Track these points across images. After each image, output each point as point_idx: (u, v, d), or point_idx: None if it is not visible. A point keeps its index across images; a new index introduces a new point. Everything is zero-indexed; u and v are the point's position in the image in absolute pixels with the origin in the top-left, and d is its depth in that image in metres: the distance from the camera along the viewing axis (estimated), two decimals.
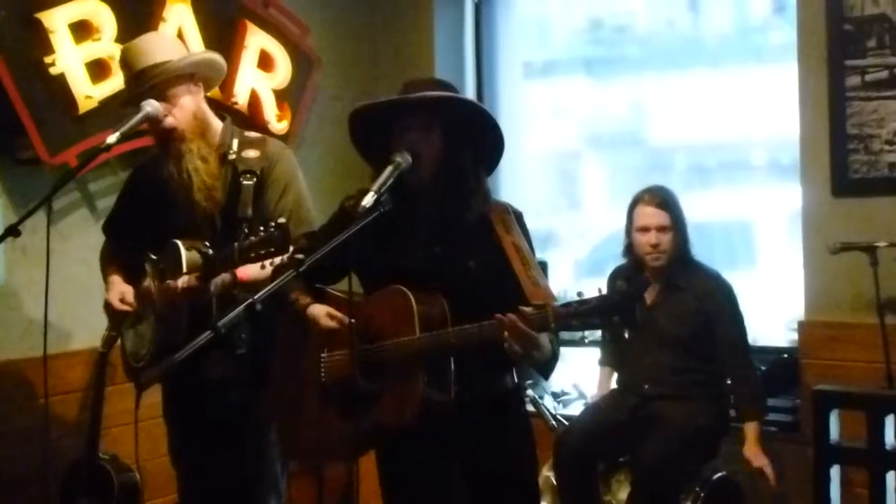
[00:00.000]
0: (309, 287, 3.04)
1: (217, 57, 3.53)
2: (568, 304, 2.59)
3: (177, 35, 4.31)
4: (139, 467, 3.60)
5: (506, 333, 2.64)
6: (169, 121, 3.32)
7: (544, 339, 2.71)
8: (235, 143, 3.43)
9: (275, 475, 3.48)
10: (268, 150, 3.45)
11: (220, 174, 3.38)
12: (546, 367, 2.92)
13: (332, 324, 2.91)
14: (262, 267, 2.94)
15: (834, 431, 1.98)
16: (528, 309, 2.63)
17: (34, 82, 4.02)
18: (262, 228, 2.86)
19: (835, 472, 1.99)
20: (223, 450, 3.42)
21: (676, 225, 4.25)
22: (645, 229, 4.25)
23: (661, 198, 4.28)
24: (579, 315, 2.56)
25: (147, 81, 3.31)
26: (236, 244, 2.93)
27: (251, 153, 3.41)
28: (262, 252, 2.87)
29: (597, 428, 4.24)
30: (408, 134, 2.88)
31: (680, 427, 4.12)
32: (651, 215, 4.25)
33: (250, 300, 2.51)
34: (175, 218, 3.36)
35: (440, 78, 3.39)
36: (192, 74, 3.41)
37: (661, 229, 4.23)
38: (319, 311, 2.95)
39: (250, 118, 4.80)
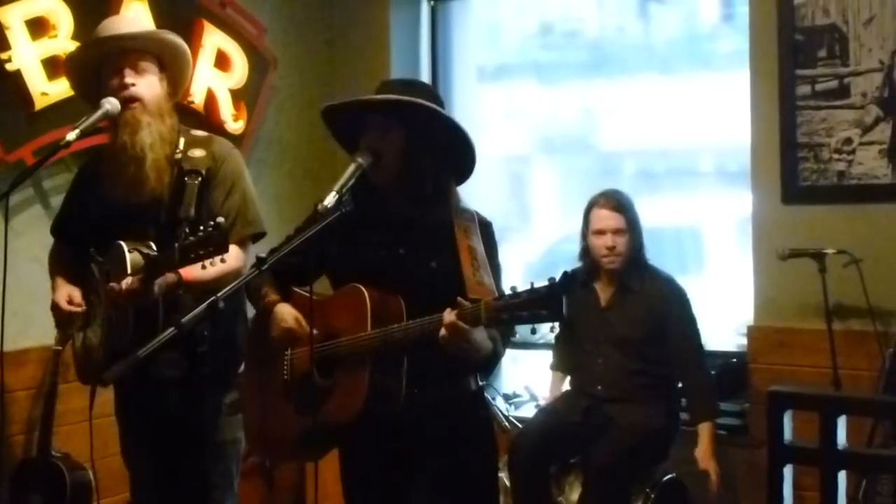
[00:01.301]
0: (278, 288, 3.05)
1: (187, 50, 3.48)
2: (499, 298, 2.63)
3: None
4: (92, 466, 3.58)
5: (442, 330, 2.66)
6: (133, 90, 3.26)
7: (481, 335, 2.75)
8: (182, 141, 3.38)
9: (230, 474, 3.48)
10: (214, 149, 3.41)
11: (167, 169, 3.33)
12: (486, 365, 2.97)
13: (293, 325, 2.93)
14: (203, 267, 2.94)
15: (786, 432, 2.04)
16: (463, 302, 2.67)
17: None
18: (200, 228, 2.86)
19: (787, 471, 2.05)
20: (176, 448, 3.41)
21: (632, 228, 4.30)
22: (601, 232, 4.30)
23: (617, 201, 4.32)
24: (509, 308, 2.58)
25: (123, 42, 3.28)
26: (177, 245, 2.91)
27: (197, 152, 3.36)
28: (202, 252, 2.86)
29: (550, 430, 4.27)
30: (370, 134, 2.91)
31: (631, 429, 4.17)
32: (607, 218, 4.30)
33: (213, 298, 2.52)
34: (121, 198, 3.28)
35: (419, 79, 3.39)
36: (162, 65, 3.38)
37: (616, 232, 4.28)
38: (286, 312, 2.98)
39: (206, 117, 4.79)
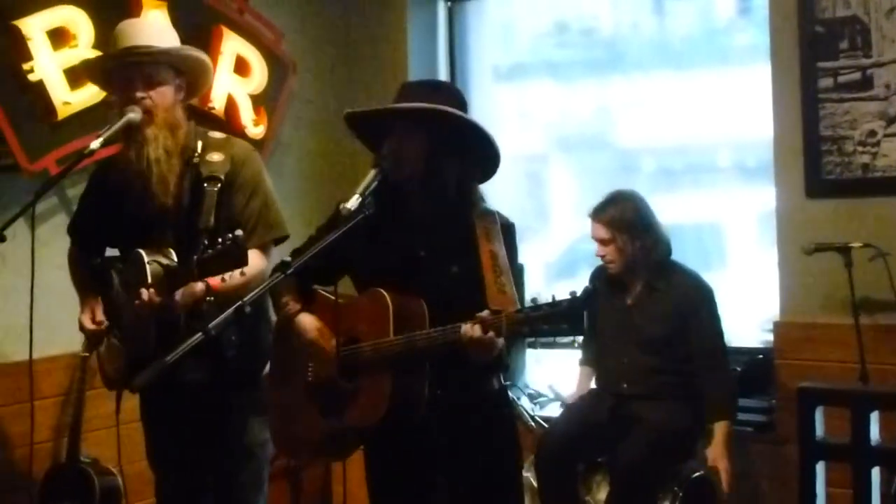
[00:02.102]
0: (301, 289, 3.07)
1: (208, 62, 3.49)
2: (521, 311, 2.65)
3: None
4: (121, 471, 3.60)
5: (464, 339, 2.68)
6: (146, 102, 3.25)
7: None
8: (199, 144, 3.35)
9: (260, 477, 3.48)
10: (233, 152, 3.37)
11: (180, 175, 3.30)
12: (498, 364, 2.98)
13: (315, 336, 2.99)
14: (223, 280, 2.95)
15: (817, 429, 2.03)
16: (484, 314, 2.68)
17: (12, 89, 4.04)
18: (219, 241, 2.85)
19: (819, 468, 2.03)
20: (202, 452, 3.41)
21: (624, 235, 4.28)
22: (594, 241, 4.35)
23: (599, 212, 4.34)
24: (529, 322, 2.61)
25: (134, 56, 3.26)
26: (195, 257, 2.92)
27: (215, 157, 3.33)
28: (220, 266, 2.87)
29: (577, 429, 4.27)
30: (393, 138, 2.91)
31: (657, 427, 4.17)
32: (593, 229, 4.36)
33: (240, 303, 2.53)
34: (133, 211, 3.29)
35: (445, 82, 3.38)
36: (178, 71, 3.36)
37: (602, 242, 4.32)
38: (308, 323, 3.01)
39: (227, 123, 4.80)
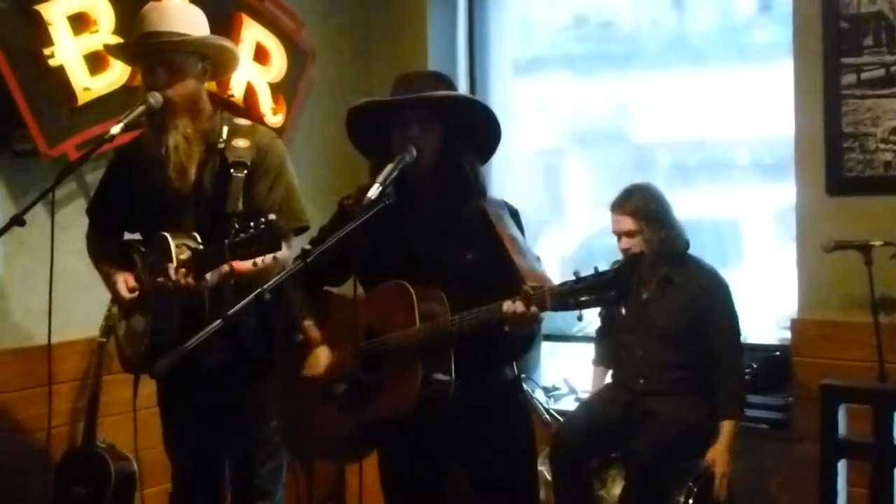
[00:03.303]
0: (316, 298, 3.08)
1: (235, 50, 3.49)
2: (564, 283, 2.64)
3: None
4: (136, 456, 3.61)
5: (506, 317, 2.68)
6: (167, 92, 3.25)
7: None
8: (225, 130, 3.37)
9: (280, 467, 3.48)
10: (258, 139, 3.39)
11: (202, 159, 3.32)
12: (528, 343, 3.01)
13: (322, 374, 2.99)
14: (255, 264, 2.94)
15: (840, 427, 2.01)
16: (526, 289, 2.67)
17: (33, 74, 4.03)
18: (251, 225, 2.85)
19: (841, 466, 2.02)
20: (220, 439, 3.42)
21: (650, 224, 4.26)
22: (616, 235, 4.32)
23: (624, 202, 4.32)
24: (575, 292, 2.60)
25: (158, 43, 3.27)
26: (226, 241, 2.92)
27: (241, 143, 3.35)
28: (254, 249, 2.87)
29: (592, 423, 4.27)
30: (408, 129, 2.91)
31: (672, 423, 4.16)
32: (616, 222, 4.32)
33: (259, 290, 2.53)
34: (153, 195, 3.31)
35: (435, 70, 3.40)
36: (203, 57, 3.36)
37: (628, 234, 4.28)
38: (324, 360, 3.02)
39: (246, 111, 4.80)
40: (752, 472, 4.25)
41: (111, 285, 3.39)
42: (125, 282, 3.34)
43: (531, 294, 2.66)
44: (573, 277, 2.62)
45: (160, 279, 3.09)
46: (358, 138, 3.07)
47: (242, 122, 3.48)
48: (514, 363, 3.07)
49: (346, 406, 2.96)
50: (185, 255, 3.09)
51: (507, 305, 2.67)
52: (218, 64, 3.44)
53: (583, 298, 2.59)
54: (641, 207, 4.27)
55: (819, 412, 2.03)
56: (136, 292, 3.32)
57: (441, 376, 2.80)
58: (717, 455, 4.12)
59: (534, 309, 2.66)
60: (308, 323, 3.05)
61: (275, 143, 3.45)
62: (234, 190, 3.27)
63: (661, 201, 4.32)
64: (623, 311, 4.35)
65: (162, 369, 2.45)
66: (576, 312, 2.62)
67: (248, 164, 3.32)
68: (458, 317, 2.76)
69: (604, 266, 2.57)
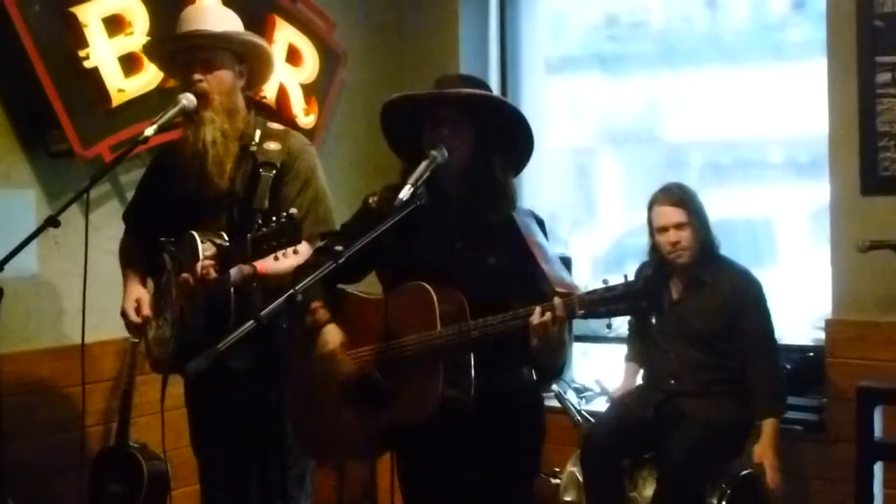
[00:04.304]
0: (330, 290, 3.04)
1: (268, 49, 3.52)
2: (593, 292, 2.63)
3: None
4: (166, 456, 3.63)
5: (533, 325, 2.66)
6: (200, 86, 3.29)
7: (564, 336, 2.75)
8: (258, 133, 3.40)
9: (303, 468, 3.49)
10: (289, 143, 3.42)
11: (237, 160, 3.35)
12: (560, 365, 2.99)
13: (335, 351, 2.96)
14: (276, 259, 2.95)
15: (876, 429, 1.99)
16: (554, 300, 2.66)
17: (68, 76, 4.06)
18: (273, 219, 2.87)
19: (877, 468, 1.99)
20: (248, 440, 3.42)
21: (696, 220, 4.23)
22: (664, 229, 4.24)
23: (675, 195, 4.26)
24: (605, 301, 2.59)
25: (193, 40, 3.31)
26: (249, 236, 2.94)
27: (272, 145, 3.38)
28: (275, 243, 2.87)
29: (624, 424, 4.24)
30: (440, 129, 2.90)
31: (705, 424, 4.13)
32: (667, 214, 4.24)
33: (291, 291, 2.53)
34: (189, 194, 3.33)
35: (471, 74, 3.40)
36: (240, 58, 3.40)
37: (678, 226, 4.21)
38: (334, 338, 2.98)
39: (278, 112, 4.83)
40: (786, 474, 4.22)
41: (124, 295, 3.47)
42: (137, 303, 3.40)
43: (561, 301, 2.65)
44: (602, 285, 2.61)
45: (184, 275, 3.12)
46: (391, 135, 3.07)
47: (276, 126, 3.52)
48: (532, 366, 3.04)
49: (362, 408, 2.95)
50: (211, 251, 3.11)
51: (536, 314, 2.66)
52: (256, 68, 3.48)
53: (613, 307, 2.58)
54: (688, 198, 4.24)
55: (855, 414, 2.01)
56: (144, 317, 3.38)
57: (462, 382, 2.80)
58: (763, 451, 4.09)
59: (560, 315, 2.65)
60: (316, 304, 3.00)
61: (306, 148, 3.49)
62: (261, 188, 3.30)
63: (698, 198, 4.30)
64: (634, 324, 4.34)
65: (194, 369, 2.46)
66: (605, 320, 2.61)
67: (278, 165, 3.34)
68: (483, 322, 2.75)
69: (632, 269, 2.55)
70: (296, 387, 3.17)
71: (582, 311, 2.63)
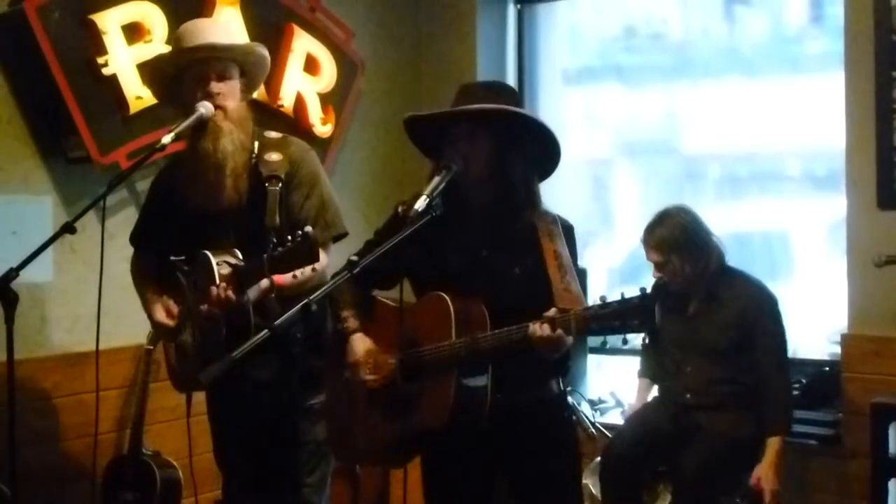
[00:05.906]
0: (362, 297, 3.09)
1: (268, 57, 3.53)
2: (589, 308, 2.64)
3: None
4: (188, 463, 3.63)
5: (533, 338, 2.68)
6: (219, 98, 3.28)
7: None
8: (256, 145, 3.38)
9: (323, 474, 3.49)
10: (290, 152, 3.40)
11: (244, 173, 3.33)
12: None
13: (362, 360, 3.00)
14: (294, 277, 2.96)
15: (891, 445, 1.97)
16: (551, 312, 2.67)
17: (87, 82, 4.08)
18: (289, 239, 2.87)
19: (892, 485, 1.98)
20: (268, 449, 3.43)
21: (680, 256, 4.21)
22: (651, 262, 4.31)
23: (655, 237, 4.27)
24: (599, 318, 2.60)
25: (208, 51, 3.30)
26: (266, 256, 2.93)
27: (274, 156, 3.36)
28: (292, 263, 2.89)
29: (642, 437, 4.25)
30: (458, 141, 2.91)
31: (720, 437, 4.14)
32: (648, 253, 4.31)
33: (306, 300, 2.54)
34: (198, 209, 3.31)
35: (494, 80, 3.38)
36: (241, 68, 3.40)
37: (656, 265, 4.27)
38: (360, 346, 3.02)
39: (296, 121, 4.84)
40: (800, 489, 4.20)
41: (149, 311, 3.44)
42: (164, 307, 3.38)
43: (556, 318, 2.66)
44: (598, 302, 2.62)
45: (203, 307, 3.11)
46: (418, 141, 3.09)
47: (273, 134, 3.48)
48: (561, 378, 3.05)
49: (387, 415, 2.97)
50: (226, 270, 3.10)
51: (534, 328, 2.68)
52: (252, 77, 3.47)
53: (607, 324, 2.59)
54: (667, 237, 4.24)
55: (869, 430, 2.00)
56: (174, 320, 3.35)
57: (476, 392, 2.81)
58: (763, 472, 4.07)
59: (559, 332, 2.66)
60: (346, 313, 3.06)
61: (307, 154, 3.45)
62: (270, 204, 3.27)
63: (687, 227, 4.25)
64: (647, 340, 4.33)
65: (209, 377, 2.47)
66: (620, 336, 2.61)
67: (282, 177, 3.32)
68: (491, 334, 2.77)
69: (648, 282, 2.55)
70: (331, 393, 3.22)
71: (578, 327, 2.65)
